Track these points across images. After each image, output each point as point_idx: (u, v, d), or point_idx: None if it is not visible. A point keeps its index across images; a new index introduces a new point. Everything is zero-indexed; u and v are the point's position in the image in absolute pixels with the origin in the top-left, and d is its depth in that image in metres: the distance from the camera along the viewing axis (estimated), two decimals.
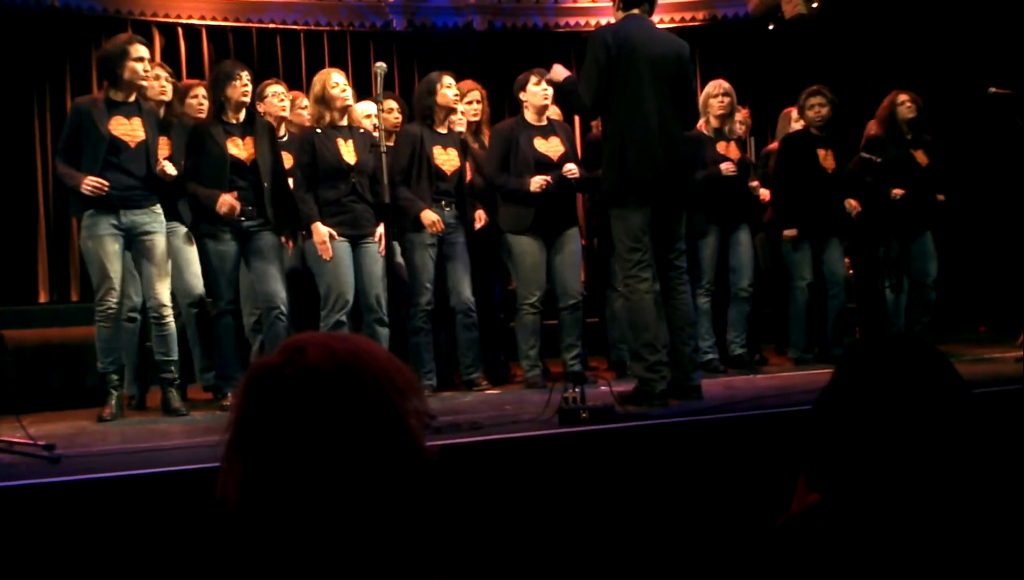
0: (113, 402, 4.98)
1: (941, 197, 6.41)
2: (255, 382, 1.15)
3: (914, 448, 1.22)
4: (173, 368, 5.08)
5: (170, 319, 5.06)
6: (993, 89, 5.56)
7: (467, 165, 5.75)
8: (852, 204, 6.32)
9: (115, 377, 5.03)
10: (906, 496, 1.21)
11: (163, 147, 5.25)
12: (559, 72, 4.78)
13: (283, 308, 5.16)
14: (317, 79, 5.47)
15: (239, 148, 5.18)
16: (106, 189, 4.84)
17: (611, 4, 4.75)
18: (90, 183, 4.83)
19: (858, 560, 1.24)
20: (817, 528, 1.29)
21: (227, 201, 5.07)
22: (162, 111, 5.50)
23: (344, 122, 5.40)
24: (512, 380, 5.94)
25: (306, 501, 1.09)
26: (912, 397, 1.25)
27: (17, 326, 6.24)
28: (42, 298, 8.06)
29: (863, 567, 1.24)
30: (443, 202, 5.57)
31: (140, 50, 5.00)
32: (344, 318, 5.24)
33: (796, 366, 6.17)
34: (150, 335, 5.22)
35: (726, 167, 5.96)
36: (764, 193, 6.36)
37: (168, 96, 5.54)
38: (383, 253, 5.19)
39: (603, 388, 4.34)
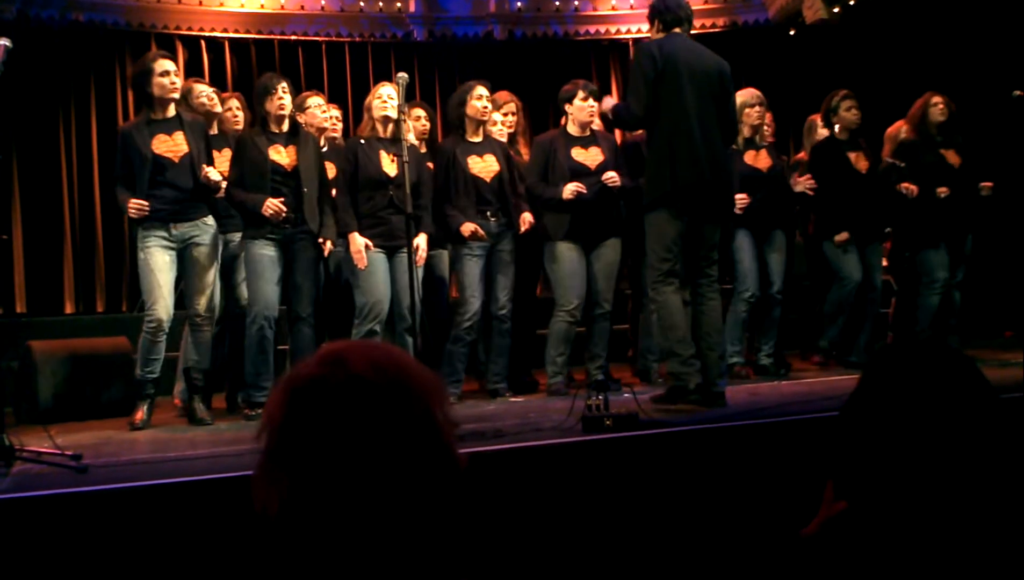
0: (145, 408, 5.03)
1: (988, 184, 6.30)
2: (298, 392, 1.14)
3: (943, 455, 1.21)
4: (202, 376, 5.13)
5: (208, 328, 5.12)
6: (1018, 92, 5.52)
7: (514, 170, 5.72)
8: (908, 187, 6.20)
9: (150, 385, 5.07)
10: (935, 503, 1.21)
11: (224, 159, 5.37)
12: (608, 102, 4.86)
13: (310, 319, 5.19)
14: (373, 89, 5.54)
15: (281, 155, 5.22)
16: (147, 211, 4.92)
17: (649, 28, 4.80)
18: (133, 206, 4.92)
19: (886, 568, 1.23)
20: (845, 536, 1.28)
21: (273, 204, 5.06)
22: (215, 124, 5.60)
23: (388, 134, 5.41)
24: (535, 389, 5.93)
25: (348, 508, 1.09)
26: (940, 403, 1.24)
27: (44, 337, 6.29)
28: (68, 309, 8.15)
29: (891, 575, 1.23)
30: (488, 212, 5.56)
31: (164, 64, 5.05)
32: (377, 328, 5.26)
33: (820, 368, 6.18)
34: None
35: (740, 201, 5.79)
36: (808, 184, 6.13)
37: (217, 107, 5.66)
38: (419, 264, 5.21)
39: (627, 395, 4.32)
